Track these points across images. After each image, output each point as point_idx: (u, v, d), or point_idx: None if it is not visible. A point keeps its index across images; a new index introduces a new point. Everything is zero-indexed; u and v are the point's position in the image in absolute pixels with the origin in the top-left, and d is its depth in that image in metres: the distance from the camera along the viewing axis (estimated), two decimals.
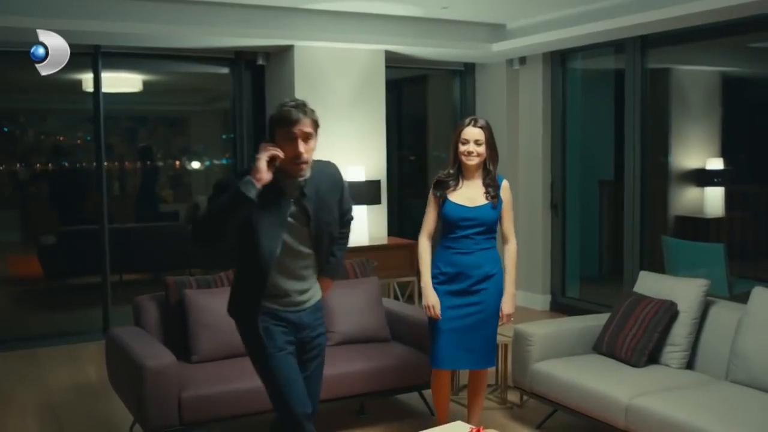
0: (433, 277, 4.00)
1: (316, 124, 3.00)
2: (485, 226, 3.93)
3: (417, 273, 6.55)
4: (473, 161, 3.91)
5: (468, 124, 3.93)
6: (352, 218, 3.45)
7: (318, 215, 3.08)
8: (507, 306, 4.00)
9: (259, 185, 2.83)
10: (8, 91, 7.42)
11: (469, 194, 3.95)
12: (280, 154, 2.88)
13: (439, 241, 4.07)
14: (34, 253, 7.65)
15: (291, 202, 3.02)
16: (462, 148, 3.92)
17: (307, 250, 3.11)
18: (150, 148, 8.24)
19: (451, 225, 3.96)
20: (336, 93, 6.80)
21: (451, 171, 4.00)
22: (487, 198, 3.92)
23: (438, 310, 3.93)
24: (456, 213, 3.93)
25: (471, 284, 3.93)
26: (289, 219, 3.03)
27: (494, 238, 4.01)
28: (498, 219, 3.98)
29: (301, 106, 2.96)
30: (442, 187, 4.00)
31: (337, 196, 3.22)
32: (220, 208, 2.88)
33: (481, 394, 4.19)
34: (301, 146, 2.91)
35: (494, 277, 3.97)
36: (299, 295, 3.15)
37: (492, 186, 3.94)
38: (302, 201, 3.04)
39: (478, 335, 3.95)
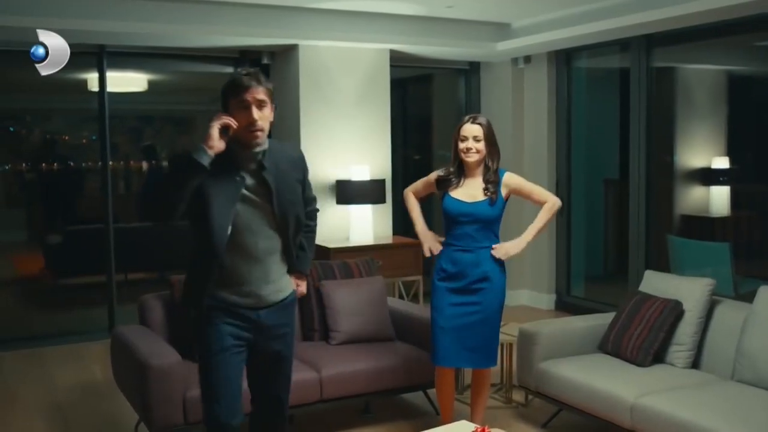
0: (436, 273, 4.04)
1: (270, 93, 2.90)
2: (482, 222, 3.94)
3: (423, 273, 6.59)
4: (472, 158, 3.93)
5: (467, 122, 3.97)
6: (317, 209, 3.33)
7: (280, 190, 2.95)
8: (511, 244, 3.98)
9: (211, 152, 2.74)
10: (14, 91, 7.44)
11: (470, 191, 3.97)
12: (233, 123, 2.80)
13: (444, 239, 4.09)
14: (39, 253, 7.66)
15: (248, 176, 2.90)
16: (461, 145, 3.95)
17: (269, 230, 2.96)
18: (153, 146, 8.24)
19: (451, 221, 4.00)
20: (341, 92, 6.79)
21: (451, 169, 4.03)
22: (485, 194, 3.93)
23: (439, 245, 4.02)
24: (454, 208, 3.96)
25: (470, 282, 3.94)
26: (248, 193, 2.90)
27: (496, 236, 4.01)
28: (498, 217, 3.98)
29: (254, 74, 2.87)
30: (444, 185, 4.02)
31: (299, 176, 3.10)
32: (171, 177, 2.81)
33: (484, 393, 4.18)
34: (255, 113, 2.82)
35: (495, 280, 3.96)
36: (261, 284, 2.97)
37: (492, 182, 3.94)
38: (261, 173, 2.92)
39: (479, 335, 3.96)
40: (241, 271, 2.93)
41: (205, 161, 2.73)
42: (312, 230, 3.29)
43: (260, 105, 2.85)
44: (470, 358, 4.01)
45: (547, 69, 7.56)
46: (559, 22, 6.71)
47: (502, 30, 7.32)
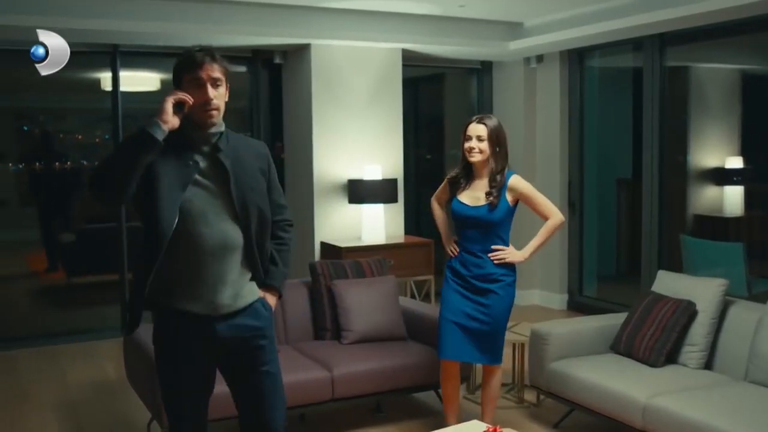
0: (447, 270, 4.09)
1: (226, 72, 2.73)
2: (484, 227, 3.93)
3: (435, 273, 6.59)
4: (475, 158, 3.92)
5: (473, 121, 3.97)
6: (290, 222, 3.02)
7: (239, 175, 2.71)
8: (513, 251, 3.97)
9: (165, 128, 2.55)
10: (27, 90, 7.47)
11: (475, 194, 3.97)
12: (188, 99, 2.61)
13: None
14: (52, 251, 7.69)
15: (201, 159, 2.70)
16: (465, 144, 3.95)
17: (228, 221, 2.69)
18: None
19: (458, 223, 4.03)
20: (353, 91, 6.80)
21: (458, 171, 4.04)
22: (487, 198, 3.92)
23: (456, 246, 4.04)
24: (459, 211, 3.98)
25: (477, 283, 3.94)
26: (201, 177, 2.68)
27: (501, 239, 3.98)
28: (503, 221, 3.95)
29: (208, 51, 2.70)
30: (454, 188, 4.05)
31: (263, 167, 2.84)
32: (122, 152, 2.60)
33: (492, 391, 4.16)
34: (210, 91, 2.65)
35: (503, 284, 3.95)
36: (217, 285, 2.68)
37: (496, 186, 3.92)
38: (216, 155, 2.70)
39: (485, 333, 3.96)
40: (192, 268, 2.66)
41: (159, 136, 2.53)
42: (284, 243, 2.96)
43: (215, 83, 2.68)
44: (474, 354, 4.01)
45: (560, 68, 7.54)
46: (572, 21, 6.70)
47: (514, 29, 7.31)
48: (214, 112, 2.68)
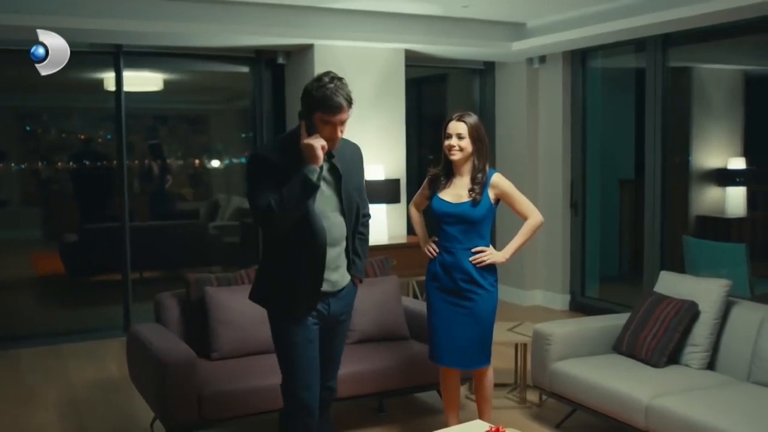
0: (426, 274, 4.09)
1: (350, 104, 3.09)
2: (466, 223, 3.91)
3: None
4: (455, 156, 3.90)
5: (453, 119, 3.94)
6: (369, 216, 3.46)
7: (347, 175, 3.19)
8: (494, 252, 3.96)
9: (318, 168, 3.00)
10: (31, 90, 7.49)
11: (457, 191, 3.96)
12: (325, 146, 3.02)
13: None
14: (56, 251, 7.71)
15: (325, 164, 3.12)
16: (445, 142, 3.93)
17: (339, 216, 3.19)
18: (159, 145, 8.19)
19: (438, 221, 4.01)
20: (356, 92, 6.60)
21: (439, 169, 4.03)
22: (470, 195, 3.91)
23: (435, 246, 4.04)
24: (440, 208, 3.97)
25: (457, 283, 3.92)
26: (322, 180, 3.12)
27: (482, 237, 3.96)
28: (484, 218, 3.93)
29: (343, 92, 3.04)
30: (435, 186, 4.03)
31: (360, 165, 3.34)
32: (289, 199, 2.98)
33: (485, 392, 4.15)
34: (339, 132, 3.06)
35: (485, 285, 3.93)
36: (333, 273, 3.21)
37: (477, 183, 3.90)
38: (331, 160, 3.15)
39: (469, 336, 3.94)
40: (317, 257, 3.15)
41: (318, 179, 3.00)
42: (364, 236, 3.43)
43: (343, 123, 3.07)
44: (461, 358, 4.00)
45: (563, 69, 7.55)
46: (575, 21, 6.70)
47: (517, 30, 7.31)
48: (336, 143, 3.12)
